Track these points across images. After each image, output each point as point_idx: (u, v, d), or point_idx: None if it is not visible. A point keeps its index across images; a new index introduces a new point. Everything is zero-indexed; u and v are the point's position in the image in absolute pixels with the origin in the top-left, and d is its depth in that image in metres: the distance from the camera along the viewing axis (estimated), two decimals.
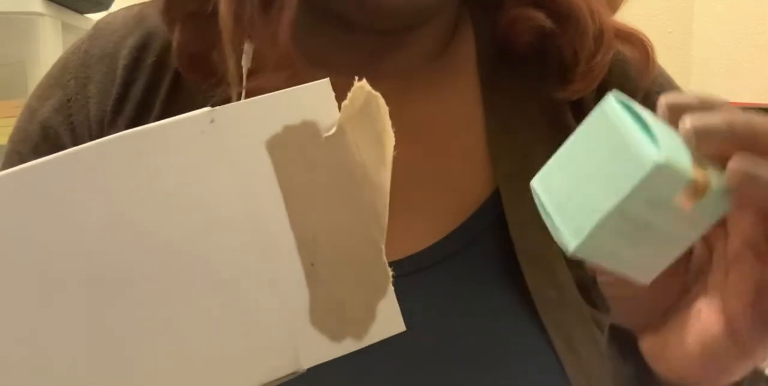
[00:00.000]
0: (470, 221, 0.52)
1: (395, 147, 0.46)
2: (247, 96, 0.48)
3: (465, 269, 0.51)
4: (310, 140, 0.27)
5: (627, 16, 0.54)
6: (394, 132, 0.48)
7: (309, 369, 0.28)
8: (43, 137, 0.55)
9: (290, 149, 0.27)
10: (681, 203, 0.31)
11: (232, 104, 0.27)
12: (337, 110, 0.28)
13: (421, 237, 0.51)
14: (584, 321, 0.50)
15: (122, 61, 0.55)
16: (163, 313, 0.27)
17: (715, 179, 0.32)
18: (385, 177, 0.28)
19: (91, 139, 0.29)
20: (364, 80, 0.28)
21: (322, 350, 0.28)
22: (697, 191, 0.31)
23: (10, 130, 0.59)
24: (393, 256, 0.46)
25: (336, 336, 0.29)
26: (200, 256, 0.27)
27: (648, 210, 0.31)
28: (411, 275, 0.50)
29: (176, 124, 0.26)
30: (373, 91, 0.28)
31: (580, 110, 0.52)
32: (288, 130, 0.27)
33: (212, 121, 0.26)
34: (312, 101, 0.27)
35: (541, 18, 0.50)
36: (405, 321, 0.43)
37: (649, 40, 0.54)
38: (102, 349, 0.26)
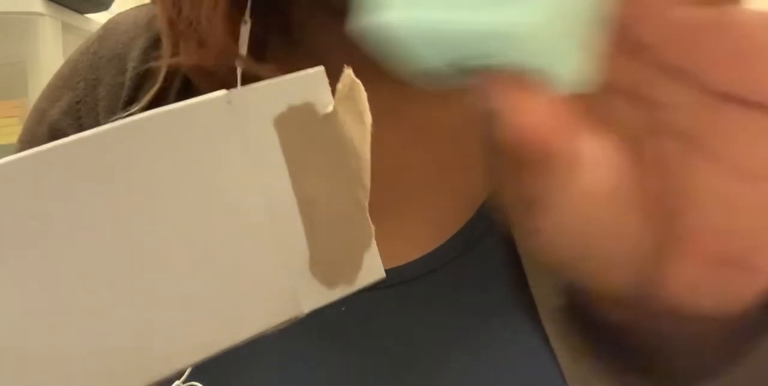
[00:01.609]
0: (470, 226, 0.52)
1: (397, 152, 0.49)
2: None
3: (466, 274, 0.51)
4: (310, 118, 0.33)
5: None
6: (395, 136, 0.51)
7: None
8: (52, 138, 0.54)
9: (293, 125, 0.32)
10: None
11: (245, 86, 0.32)
12: (330, 93, 0.33)
13: (422, 243, 0.52)
14: None
15: (132, 64, 0.55)
16: (175, 264, 0.31)
17: None
18: (366, 149, 0.34)
19: None
20: (350, 69, 0.34)
21: (320, 295, 0.34)
22: None
23: (9, 130, 0.60)
24: (393, 263, 0.47)
25: (331, 284, 0.34)
26: (213, 215, 0.32)
27: None
28: (411, 282, 0.51)
29: (197, 105, 0.32)
30: (356, 78, 0.34)
31: None
32: (292, 109, 0.32)
33: (229, 102, 0.31)
34: (310, 85, 0.33)
35: None
36: (406, 330, 0.46)
37: None
38: (115, 300, 0.31)
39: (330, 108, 0.33)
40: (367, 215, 0.35)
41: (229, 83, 0.39)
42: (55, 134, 0.56)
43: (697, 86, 0.26)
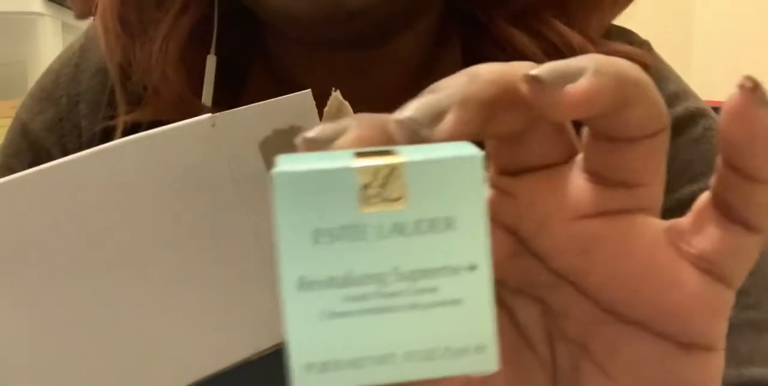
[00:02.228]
0: None
1: None
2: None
3: None
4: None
5: (627, 17, 0.53)
6: None
7: None
8: (36, 155, 0.55)
9: (279, 149, 0.32)
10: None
11: (231, 110, 0.31)
12: (317, 116, 0.33)
13: None
14: None
15: (111, 81, 0.53)
16: (159, 290, 0.31)
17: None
18: None
19: None
20: (338, 91, 0.33)
21: None
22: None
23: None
24: None
25: None
26: (201, 243, 0.32)
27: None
28: None
29: (182, 128, 0.31)
30: (344, 101, 0.33)
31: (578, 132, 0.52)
32: (277, 133, 0.32)
33: (213, 125, 0.31)
34: (297, 108, 0.32)
35: (522, 40, 0.49)
36: None
37: (648, 59, 0.51)
38: (107, 325, 0.31)
39: None
40: None
41: None
42: (38, 150, 0.55)
43: (589, 298, 0.26)
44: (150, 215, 0.31)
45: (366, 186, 0.22)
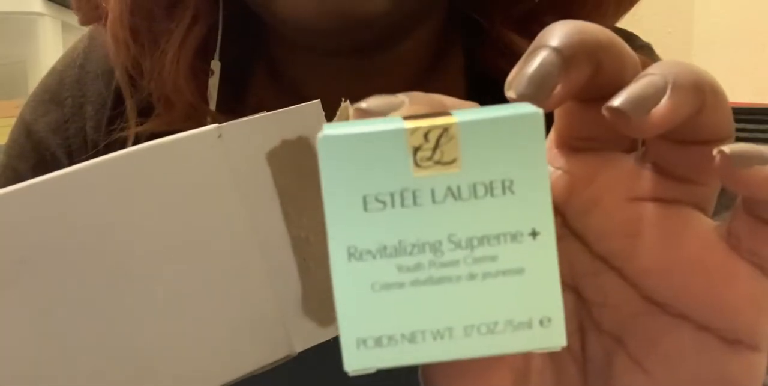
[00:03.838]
0: None
1: None
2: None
3: None
4: (304, 152, 0.32)
5: (627, 17, 0.53)
6: None
7: None
8: (41, 157, 0.55)
9: (286, 160, 0.31)
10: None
11: (238, 120, 0.31)
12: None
13: None
14: None
15: (116, 82, 0.53)
16: (165, 303, 0.31)
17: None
18: None
19: None
20: (348, 101, 0.33)
21: (312, 334, 0.33)
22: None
23: (10, 130, 0.58)
24: None
25: (324, 322, 0.33)
26: (205, 253, 0.31)
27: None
28: None
29: (187, 139, 0.31)
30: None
31: None
32: (285, 143, 0.31)
33: (220, 136, 0.30)
34: (305, 118, 0.32)
35: (524, 46, 0.46)
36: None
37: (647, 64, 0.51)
38: (111, 334, 0.30)
39: None
40: None
41: None
42: (43, 153, 0.55)
43: (632, 286, 0.25)
44: (155, 225, 0.30)
45: (417, 149, 0.21)
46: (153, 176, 0.30)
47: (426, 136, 0.21)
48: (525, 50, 0.47)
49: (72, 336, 0.30)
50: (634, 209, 0.25)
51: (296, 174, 0.32)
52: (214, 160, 0.30)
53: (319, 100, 0.32)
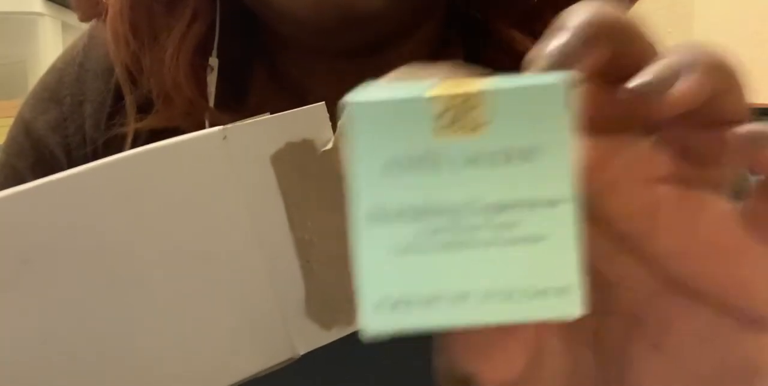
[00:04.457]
0: None
1: None
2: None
3: None
4: (308, 154, 0.32)
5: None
6: None
7: None
8: (40, 155, 0.54)
9: (291, 163, 0.31)
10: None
11: (242, 122, 0.31)
12: (330, 128, 0.32)
13: None
14: None
15: (115, 79, 0.53)
16: (167, 304, 0.31)
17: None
18: None
19: (86, 162, 0.30)
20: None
21: (315, 337, 0.33)
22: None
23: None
24: None
25: (327, 325, 0.33)
26: (208, 256, 0.31)
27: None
28: None
29: (191, 141, 0.31)
30: None
31: None
32: (290, 146, 0.31)
33: (225, 138, 0.30)
34: (310, 121, 0.32)
35: (524, 43, 0.48)
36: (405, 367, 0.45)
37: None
38: (111, 339, 0.30)
39: (330, 144, 0.32)
40: None
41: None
42: (42, 151, 0.54)
43: (650, 268, 0.25)
44: (157, 227, 0.30)
45: (440, 115, 0.21)
46: (156, 178, 0.30)
47: (450, 102, 0.21)
48: (526, 47, 0.47)
49: (73, 337, 0.30)
50: (653, 189, 0.25)
51: (300, 177, 0.32)
52: (218, 162, 0.30)
53: (323, 103, 0.32)
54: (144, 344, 0.31)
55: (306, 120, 0.31)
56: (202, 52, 0.49)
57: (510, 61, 0.48)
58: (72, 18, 1.77)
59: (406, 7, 0.46)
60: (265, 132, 0.31)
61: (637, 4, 0.52)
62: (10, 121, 0.58)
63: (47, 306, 0.29)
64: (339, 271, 0.33)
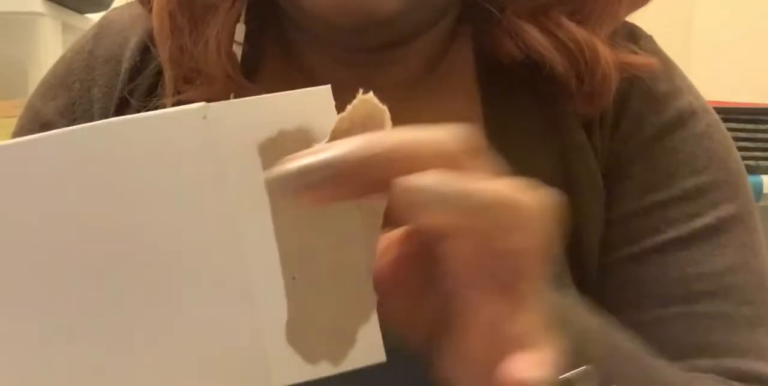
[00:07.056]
0: None
1: None
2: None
3: None
4: (302, 147, 0.26)
5: (627, 17, 0.55)
6: None
7: None
8: None
9: (282, 154, 0.26)
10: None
11: (228, 101, 0.25)
12: (335, 114, 0.26)
13: None
14: None
15: (125, 65, 0.55)
16: (133, 321, 0.26)
17: None
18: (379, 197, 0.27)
19: None
20: (371, 93, 0.27)
21: (296, 370, 0.27)
22: None
23: (10, 130, 0.59)
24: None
25: (311, 358, 0.27)
26: (171, 263, 0.25)
27: None
28: None
29: (171, 116, 0.25)
30: (380, 105, 0.27)
31: (590, 127, 0.52)
32: (282, 134, 0.26)
33: (204, 117, 0.24)
34: (310, 107, 0.26)
35: (532, 34, 0.50)
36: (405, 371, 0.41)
37: (656, 67, 0.52)
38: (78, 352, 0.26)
39: (328, 138, 0.26)
40: (370, 281, 0.28)
41: None
42: None
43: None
44: (135, 206, 0.25)
45: None
46: (119, 155, 0.25)
47: None
48: (533, 37, 0.50)
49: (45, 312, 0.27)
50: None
51: None
52: (195, 145, 0.25)
53: (329, 86, 0.26)
54: (112, 372, 0.27)
55: (307, 104, 0.26)
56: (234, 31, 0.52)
57: (515, 45, 0.51)
58: (72, 18, 1.75)
59: (425, 9, 0.49)
60: (256, 115, 0.25)
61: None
62: (11, 121, 0.60)
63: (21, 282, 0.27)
64: (330, 297, 0.28)
